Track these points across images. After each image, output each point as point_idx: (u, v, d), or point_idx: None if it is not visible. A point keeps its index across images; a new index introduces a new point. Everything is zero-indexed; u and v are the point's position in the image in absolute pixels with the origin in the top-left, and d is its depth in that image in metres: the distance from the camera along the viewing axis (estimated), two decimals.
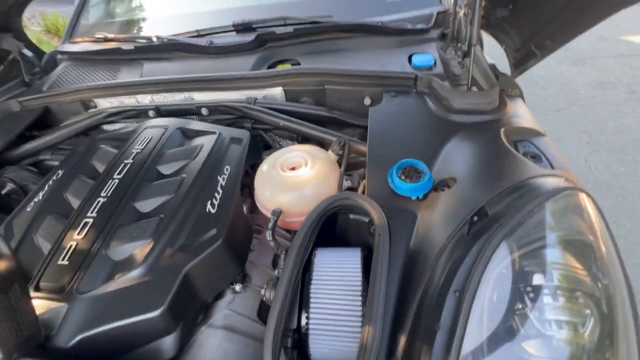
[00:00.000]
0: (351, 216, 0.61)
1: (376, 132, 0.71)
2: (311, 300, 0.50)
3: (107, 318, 0.51)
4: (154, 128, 0.81)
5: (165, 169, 0.72)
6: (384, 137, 0.70)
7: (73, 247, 0.58)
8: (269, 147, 0.97)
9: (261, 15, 1.07)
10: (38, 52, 1.28)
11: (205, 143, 0.75)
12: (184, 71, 0.99)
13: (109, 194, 0.66)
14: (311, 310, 0.50)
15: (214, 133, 0.77)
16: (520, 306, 0.40)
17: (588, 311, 0.39)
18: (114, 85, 0.99)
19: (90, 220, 0.62)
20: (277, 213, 0.62)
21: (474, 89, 0.77)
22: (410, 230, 0.54)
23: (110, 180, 0.69)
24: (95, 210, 0.63)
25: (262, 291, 0.56)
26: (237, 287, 0.63)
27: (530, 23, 0.75)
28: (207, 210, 0.63)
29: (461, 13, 0.93)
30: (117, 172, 0.70)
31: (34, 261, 0.59)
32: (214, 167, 0.70)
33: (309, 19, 1.00)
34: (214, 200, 0.65)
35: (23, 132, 1.00)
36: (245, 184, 0.81)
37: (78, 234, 0.60)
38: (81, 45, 1.24)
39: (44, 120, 1.07)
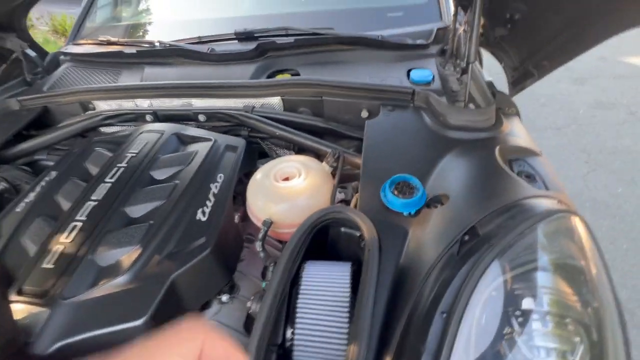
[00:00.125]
0: (342, 229, 0.60)
1: (371, 145, 0.71)
2: (297, 314, 0.49)
3: (89, 325, 0.49)
4: (150, 132, 0.81)
5: (159, 174, 0.71)
6: (379, 150, 0.70)
7: (59, 250, 0.57)
8: (266, 155, 0.97)
9: (263, 24, 1.08)
10: (41, 53, 1.29)
11: (200, 150, 0.75)
12: (184, 77, 0.99)
13: (99, 198, 0.65)
14: (297, 325, 0.48)
15: (209, 140, 0.77)
16: (508, 330, 0.39)
17: (577, 338, 0.38)
18: (113, 88, 1.00)
19: (79, 224, 0.61)
20: (268, 223, 0.62)
21: (471, 105, 0.78)
22: (401, 247, 0.53)
23: (102, 184, 0.68)
24: (85, 214, 0.63)
25: (249, 303, 0.55)
26: (224, 297, 0.62)
27: (528, 43, 0.76)
28: (198, 218, 0.62)
29: (461, 30, 0.94)
30: (109, 176, 0.70)
31: (19, 263, 0.58)
32: (207, 174, 0.70)
33: (310, 31, 1.01)
34: (205, 208, 0.64)
35: (21, 131, 1.00)
36: (239, 192, 0.81)
37: (66, 237, 0.59)
38: (84, 47, 1.25)
39: (43, 120, 1.07)
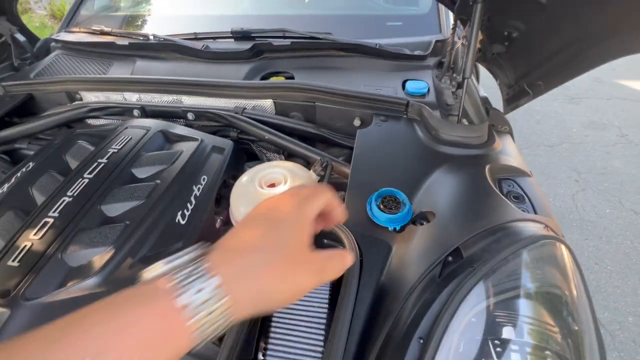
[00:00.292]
0: (325, 241, 0.59)
1: (361, 155, 0.70)
2: (271, 329, 0.47)
3: None
4: (135, 128, 0.78)
5: (140, 172, 0.69)
6: (369, 161, 0.68)
7: (27, 247, 0.55)
8: (256, 158, 0.95)
9: (261, 25, 1.06)
10: (31, 38, 1.26)
11: (186, 150, 0.73)
12: (175, 73, 0.97)
13: (75, 194, 0.63)
14: (270, 341, 0.47)
15: (195, 140, 0.75)
16: None
17: None
18: (102, 79, 0.97)
19: (51, 221, 0.58)
20: None
21: (464, 121, 0.77)
22: (384, 263, 0.52)
23: (80, 179, 0.65)
24: (58, 210, 0.60)
25: None
26: None
27: (525, 62, 0.75)
28: (177, 221, 0.60)
29: (459, 44, 0.94)
30: (88, 171, 0.67)
31: None
32: (190, 175, 0.68)
33: (308, 34, 0.99)
34: (185, 211, 0.62)
35: (2, 118, 0.97)
36: (224, 195, 0.79)
37: (35, 233, 0.56)
38: (76, 36, 1.22)
39: (27, 108, 1.04)
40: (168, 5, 1.41)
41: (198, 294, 0.24)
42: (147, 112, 0.89)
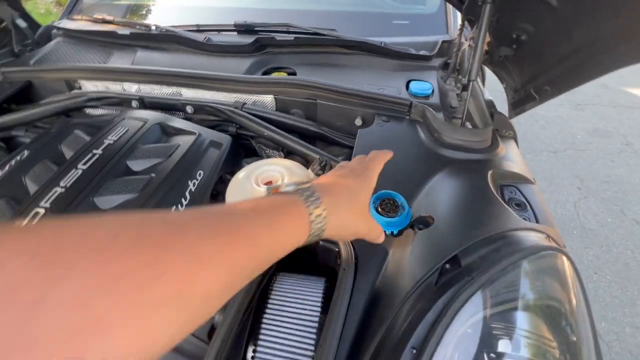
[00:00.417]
0: (321, 242, 0.57)
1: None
2: (261, 331, 0.46)
3: None
4: (132, 120, 0.77)
5: (136, 165, 0.68)
6: None
7: None
8: (256, 153, 0.94)
9: (265, 19, 1.04)
10: (33, 24, 1.24)
11: (183, 143, 0.71)
12: (176, 64, 0.95)
13: (68, 185, 0.61)
14: (259, 343, 0.45)
15: (193, 134, 0.74)
16: None
17: None
18: (102, 69, 0.96)
19: (42, 211, 0.57)
20: None
21: (468, 124, 0.75)
22: (379, 268, 0.50)
23: (74, 170, 0.64)
24: (50, 200, 0.59)
25: None
26: None
27: (532, 66, 0.73)
28: None
29: (466, 45, 0.92)
30: (82, 162, 0.66)
31: None
32: (186, 170, 0.66)
33: (312, 30, 0.97)
34: (179, 206, 0.61)
35: (0, 104, 0.96)
36: (220, 191, 0.77)
37: (25, 225, 0.55)
38: (78, 24, 1.20)
39: (25, 95, 1.02)
40: None
41: (316, 209, 0.33)
42: (146, 103, 0.88)
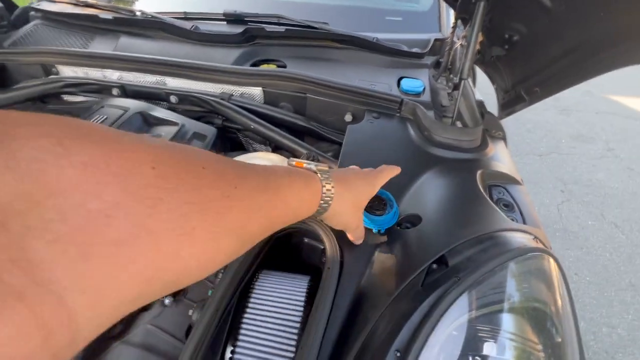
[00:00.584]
0: (306, 240, 0.56)
1: (350, 152, 0.67)
2: (241, 332, 0.44)
3: None
4: (112, 108, 0.73)
5: None
6: (357, 158, 0.66)
7: None
8: (242, 147, 0.91)
9: (256, 9, 1.02)
10: (10, 5, 1.18)
11: (165, 134, 0.68)
12: (161, 53, 0.92)
13: None
14: (238, 343, 0.44)
15: (175, 124, 0.71)
16: None
17: None
18: (82, 53, 0.91)
19: None
20: None
21: (458, 123, 0.74)
22: (365, 267, 0.49)
23: None
24: None
25: (190, 311, 0.49)
26: (167, 300, 0.56)
27: (524, 67, 0.73)
28: None
29: (458, 44, 0.91)
30: None
31: None
32: None
33: (303, 22, 0.95)
34: None
35: None
36: None
37: None
38: (59, 6, 1.14)
39: None
40: None
41: (327, 184, 0.39)
42: (127, 91, 0.84)
